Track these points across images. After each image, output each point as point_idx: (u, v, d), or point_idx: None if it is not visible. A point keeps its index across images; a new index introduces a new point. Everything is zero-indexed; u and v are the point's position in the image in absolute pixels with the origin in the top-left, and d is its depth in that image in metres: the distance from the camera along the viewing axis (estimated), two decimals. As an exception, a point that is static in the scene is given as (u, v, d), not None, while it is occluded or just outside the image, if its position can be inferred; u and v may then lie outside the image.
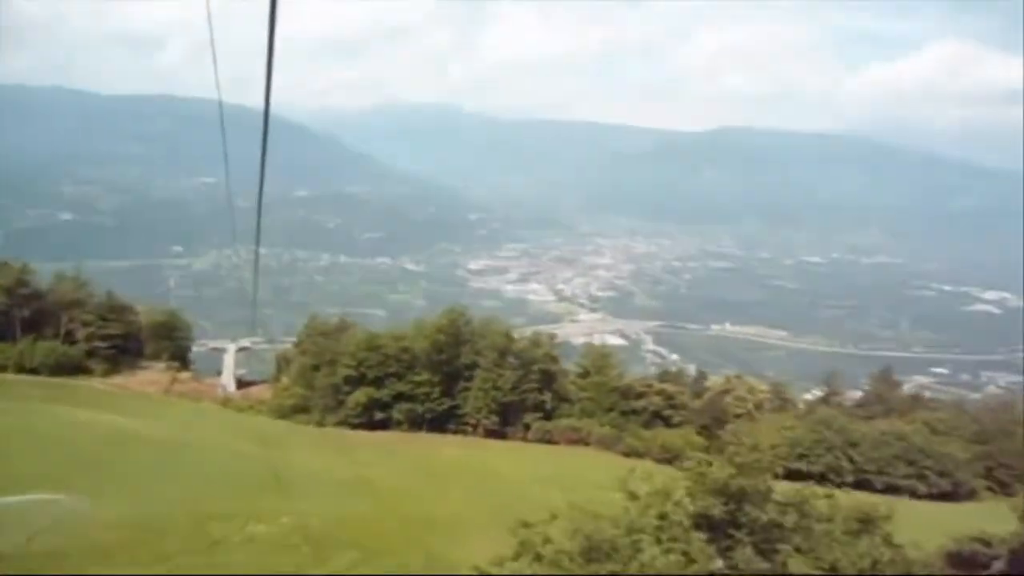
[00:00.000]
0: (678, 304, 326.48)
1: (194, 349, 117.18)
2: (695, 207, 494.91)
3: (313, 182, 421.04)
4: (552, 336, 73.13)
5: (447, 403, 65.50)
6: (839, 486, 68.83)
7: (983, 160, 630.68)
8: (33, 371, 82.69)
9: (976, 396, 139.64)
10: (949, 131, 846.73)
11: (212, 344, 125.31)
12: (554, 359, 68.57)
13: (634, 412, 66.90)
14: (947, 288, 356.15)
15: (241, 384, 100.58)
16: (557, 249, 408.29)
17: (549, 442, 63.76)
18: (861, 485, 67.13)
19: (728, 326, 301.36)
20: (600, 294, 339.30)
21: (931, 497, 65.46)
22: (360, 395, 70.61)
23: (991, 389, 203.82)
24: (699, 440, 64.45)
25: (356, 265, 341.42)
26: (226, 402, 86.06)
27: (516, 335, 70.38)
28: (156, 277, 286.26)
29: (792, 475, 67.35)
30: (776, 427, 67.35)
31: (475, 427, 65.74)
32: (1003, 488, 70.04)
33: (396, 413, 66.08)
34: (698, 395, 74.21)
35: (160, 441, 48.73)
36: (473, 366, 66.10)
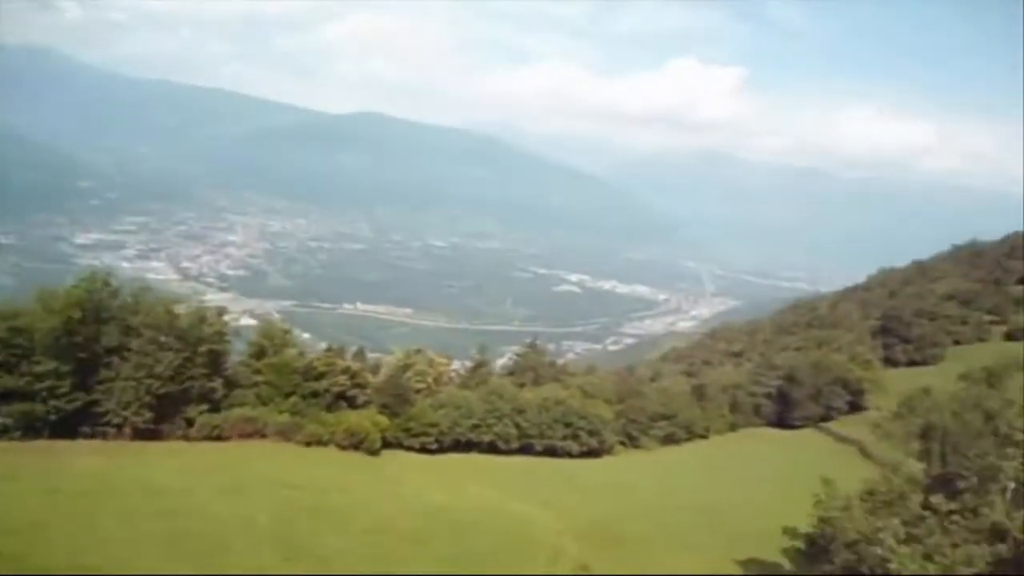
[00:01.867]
0: (312, 284, 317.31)
1: None
2: (332, 189, 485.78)
3: None
4: (221, 310, 60.15)
5: (81, 399, 49.44)
6: (506, 453, 70.17)
7: (576, 164, 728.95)
8: None
9: (560, 361, 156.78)
10: (553, 138, 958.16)
11: None
12: (224, 337, 56.56)
13: (316, 395, 58.45)
14: (542, 271, 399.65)
15: None
16: (185, 224, 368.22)
17: (218, 438, 52.21)
18: (525, 450, 68.08)
19: (359, 305, 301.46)
20: (231, 273, 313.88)
21: (582, 455, 68.78)
22: None
23: (570, 356, 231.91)
24: (384, 421, 59.02)
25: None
26: None
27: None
28: None
29: (464, 445, 66.08)
30: (454, 400, 64.99)
31: (120, 427, 50.84)
32: (632, 441, 76.90)
33: (2, 417, 48.13)
34: (373, 372, 68.55)
35: None
36: (120, 349, 50.95)
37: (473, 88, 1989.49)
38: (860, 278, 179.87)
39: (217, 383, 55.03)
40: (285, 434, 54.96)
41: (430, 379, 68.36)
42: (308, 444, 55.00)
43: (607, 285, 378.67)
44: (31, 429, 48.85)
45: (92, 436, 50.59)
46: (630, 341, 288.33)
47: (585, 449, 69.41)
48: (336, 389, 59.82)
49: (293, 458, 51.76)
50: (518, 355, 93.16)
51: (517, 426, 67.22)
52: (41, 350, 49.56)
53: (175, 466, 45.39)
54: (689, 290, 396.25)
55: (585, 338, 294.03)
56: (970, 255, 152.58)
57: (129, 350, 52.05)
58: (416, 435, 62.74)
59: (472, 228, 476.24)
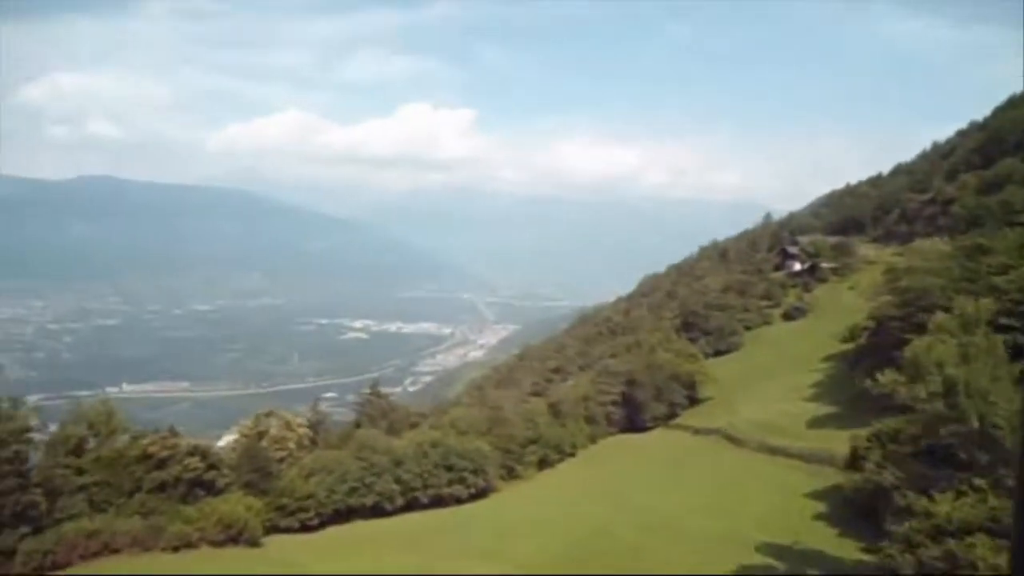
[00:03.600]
0: (62, 371, 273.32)
1: None
2: (69, 262, 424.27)
3: None
4: (17, 401, 44.85)
5: None
6: (391, 513, 62.16)
7: (330, 210, 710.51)
8: None
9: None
10: (297, 184, 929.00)
11: None
12: (31, 433, 42.04)
13: (164, 486, 46.05)
14: (324, 321, 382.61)
15: None
16: None
17: (54, 566, 38.61)
18: (411, 506, 61.07)
19: (125, 386, 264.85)
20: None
21: (472, 498, 63.05)
22: None
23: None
24: (256, 503, 48.69)
25: None
26: None
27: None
28: None
29: (346, 514, 57.35)
30: (325, 464, 56.15)
31: None
32: (510, 473, 72.37)
33: None
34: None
35: None
36: None
37: (206, 143, 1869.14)
38: (620, 289, 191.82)
39: (37, 495, 41.61)
40: (142, 542, 43.01)
41: (291, 444, 58.73)
42: (175, 549, 43.62)
43: (392, 327, 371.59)
44: None
45: None
46: (428, 379, 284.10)
47: (473, 491, 63.76)
48: (188, 475, 48.47)
49: (162, 570, 40.63)
50: (359, 403, 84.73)
51: (398, 480, 59.98)
52: None
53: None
54: (471, 321, 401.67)
55: (383, 383, 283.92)
56: (719, 253, 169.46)
57: None
58: (291, 512, 53.27)
59: (238, 286, 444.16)
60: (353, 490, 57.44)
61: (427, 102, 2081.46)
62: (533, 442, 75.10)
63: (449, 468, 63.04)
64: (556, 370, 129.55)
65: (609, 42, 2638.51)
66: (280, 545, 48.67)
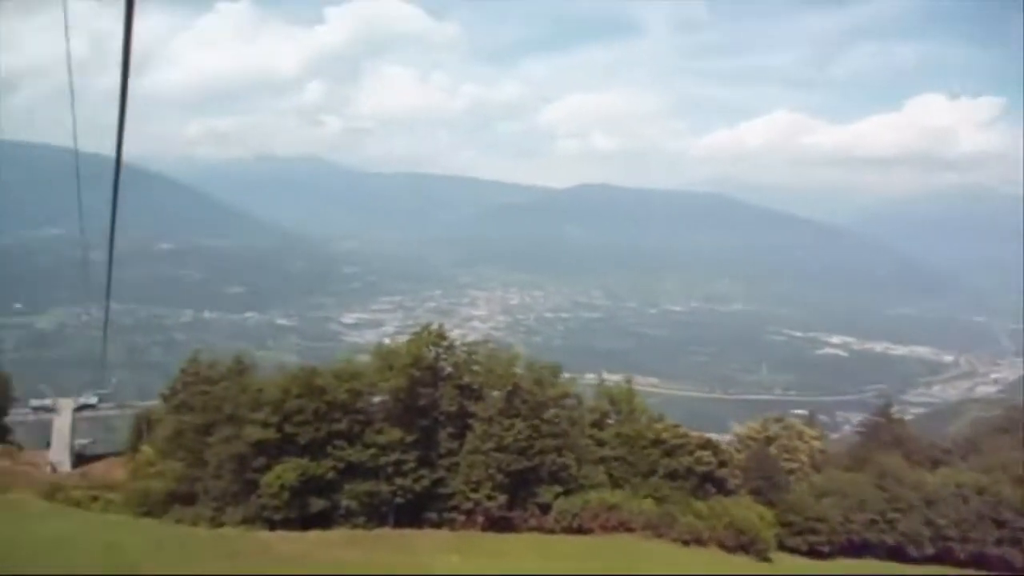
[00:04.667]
0: (554, 355, 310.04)
1: (16, 414, 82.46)
2: (564, 260, 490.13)
3: (176, 235, 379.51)
4: (556, 369, 50.35)
5: (428, 477, 41.98)
6: (917, 561, 53.10)
7: (814, 216, 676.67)
8: None
9: (836, 436, 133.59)
10: (782, 190, 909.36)
11: (36, 403, 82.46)
12: (572, 399, 46.66)
13: (675, 475, 46.65)
14: (798, 334, 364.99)
15: (81, 459, 69.10)
16: (433, 301, 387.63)
17: (579, 530, 42.08)
18: (941, 556, 50.63)
19: (604, 374, 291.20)
20: (461, 350, 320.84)
21: (1029, 567, 49.76)
22: (285, 471, 44.02)
23: (847, 429, 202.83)
24: (769, 514, 45.72)
25: (222, 321, 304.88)
26: (54, 491, 53.72)
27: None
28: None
29: (860, 548, 50.44)
30: (840, 486, 50.17)
31: (470, 513, 42.33)
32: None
33: (346, 499, 41.31)
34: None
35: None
36: (461, 415, 43.17)
37: (691, 149, 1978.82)
38: None
39: (570, 459, 44.96)
40: (655, 527, 43.29)
41: (803, 457, 53.87)
42: (685, 542, 42.81)
43: (878, 347, 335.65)
44: (374, 514, 41.86)
45: (439, 524, 42.39)
46: (919, 411, 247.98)
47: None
48: (700, 469, 47.44)
49: (677, 562, 39.89)
50: (866, 425, 75.25)
51: (929, 523, 50.39)
52: (384, 416, 42.85)
53: (555, 571, 34.94)
54: (982, 349, 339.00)
55: (860, 407, 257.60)
56: None
57: (470, 416, 43.91)
58: (799, 532, 48.65)
59: (711, 291, 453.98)
60: (872, 523, 50.24)
61: (941, 92, 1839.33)
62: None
63: (1000, 524, 50.80)
64: None
65: None
66: (789, 564, 44.45)
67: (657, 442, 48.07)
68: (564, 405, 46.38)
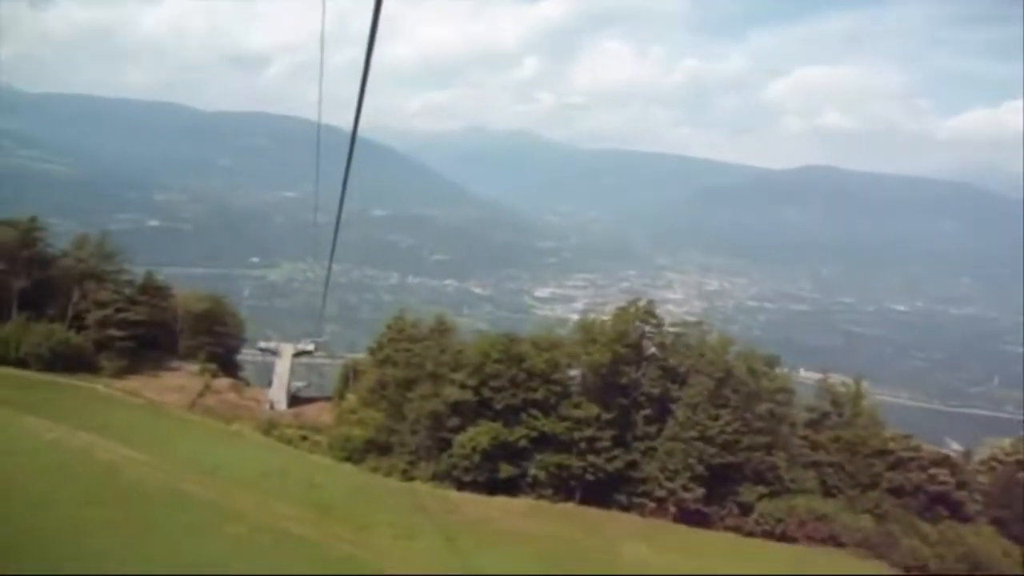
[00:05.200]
0: (750, 346, 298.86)
1: (246, 354, 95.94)
2: (775, 247, 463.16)
3: (391, 202, 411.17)
4: (773, 360, 47.44)
5: (621, 458, 43.16)
6: None
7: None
8: (21, 362, 62.10)
9: None
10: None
11: (263, 345, 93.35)
12: (787, 394, 44.10)
13: (898, 491, 42.91)
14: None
15: (296, 400, 76.57)
16: (628, 281, 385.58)
17: (782, 537, 40.24)
18: None
19: (803, 372, 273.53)
20: (670, 330, 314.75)
21: None
22: (478, 434, 46.41)
23: None
24: (1017, 551, 40.59)
25: (423, 286, 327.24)
26: (270, 427, 61.81)
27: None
28: (232, 286, 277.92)
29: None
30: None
31: (662, 502, 42.83)
32: None
33: (536, 468, 43.05)
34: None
35: (151, 496, 29.58)
36: (662, 399, 42.56)
37: (937, 131, 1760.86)
38: None
39: (779, 459, 43.18)
40: (872, 546, 40.42)
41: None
42: (907, 568, 39.59)
43: None
44: (562, 488, 43.51)
45: (627, 508, 42.90)
46: None
47: None
48: (933, 488, 43.30)
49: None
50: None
51: None
52: (581, 390, 44.18)
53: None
54: None
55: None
56: None
57: (673, 401, 43.62)
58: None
59: (942, 291, 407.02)
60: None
61: None
62: None
63: None
64: None
65: None
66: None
67: (883, 452, 43.85)
68: (778, 400, 44.46)
